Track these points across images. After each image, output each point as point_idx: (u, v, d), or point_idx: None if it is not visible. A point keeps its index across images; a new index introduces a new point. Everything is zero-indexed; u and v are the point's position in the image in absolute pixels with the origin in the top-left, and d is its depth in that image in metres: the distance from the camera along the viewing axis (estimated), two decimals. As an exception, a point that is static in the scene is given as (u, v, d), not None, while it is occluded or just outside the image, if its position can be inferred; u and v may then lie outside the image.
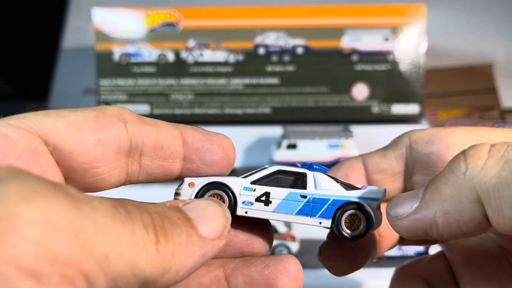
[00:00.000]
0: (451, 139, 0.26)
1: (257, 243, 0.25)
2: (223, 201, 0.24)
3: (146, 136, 0.23)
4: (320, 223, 0.24)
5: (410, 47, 0.78)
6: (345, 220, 0.24)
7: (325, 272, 0.55)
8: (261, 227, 0.25)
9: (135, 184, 0.26)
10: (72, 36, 0.97)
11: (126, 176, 0.24)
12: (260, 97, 0.79)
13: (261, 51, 0.78)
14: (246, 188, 0.24)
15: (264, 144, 0.76)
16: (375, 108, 0.78)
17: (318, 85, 0.79)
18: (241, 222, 0.25)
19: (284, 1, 0.85)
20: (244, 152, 0.76)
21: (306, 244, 0.59)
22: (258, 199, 0.24)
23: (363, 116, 0.79)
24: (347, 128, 0.73)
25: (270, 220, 0.26)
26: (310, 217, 0.24)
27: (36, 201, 0.14)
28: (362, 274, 0.54)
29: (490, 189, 0.19)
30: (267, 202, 0.24)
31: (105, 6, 0.79)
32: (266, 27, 0.78)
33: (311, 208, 0.24)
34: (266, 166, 0.27)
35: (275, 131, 0.76)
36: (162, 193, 0.28)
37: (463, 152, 0.21)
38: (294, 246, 0.58)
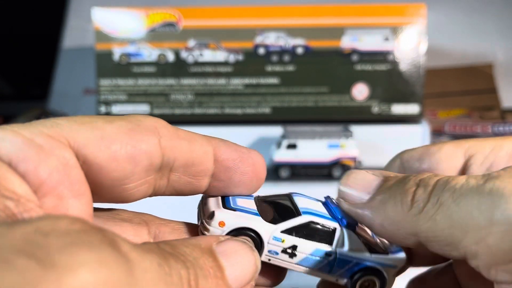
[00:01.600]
0: (440, 155, 0.27)
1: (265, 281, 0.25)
2: None
3: (178, 153, 0.23)
4: (337, 280, 0.25)
5: (410, 47, 0.78)
6: (360, 283, 0.25)
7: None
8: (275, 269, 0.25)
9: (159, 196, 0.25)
10: (72, 36, 0.97)
11: (153, 190, 0.23)
12: (260, 97, 0.79)
13: (261, 51, 0.78)
14: (275, 238, 0.24)
15: (264, 144, 0.76)
16: (375, 108, 0.78)
17: (318, 85, 0.79)
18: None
19: (284, 1, 0.85)
20: (244, 152, 0.76)
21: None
22: (284, 251, 0.24)
23: (363, 116, 0.79)
24: (347, 128, 0.73)
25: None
26: (329, 274, 0.25)
27: (100, 272, 0.15)
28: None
29: (428, 232, 0.21)
30: (292, 255, 0.24)
31: (105, 6, 0.79)
32: (266, 27, 0.78)
33: (332, 266, 0.25)
34: (292, 195, 0.26)
35: (275, 131, 0.76)
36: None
37: (417, 184, 0.22)
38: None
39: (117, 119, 0.21)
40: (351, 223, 0.25)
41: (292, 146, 0.71)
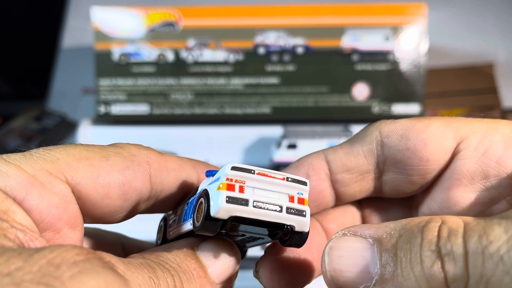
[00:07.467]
0: (428, 133, 0.24)
1: None
2: None
3: (167, 185, 0.25)
4: None
5: (410, 46, 0.77)
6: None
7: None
8: None
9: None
10: (72, 36, 0.97)
11: (133, 214, 0.26)
12: (260, 97, 0.78)
13: (261, 50, 0.78)
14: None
15: (264, 144, 0.75)
16: (376, 108, 0.78)
17: (318, 85, 0.78)
18: None
19: (284, 0, 0.85)
20: (244, 152, 0.76)
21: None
22: None
23: (363, 116, 0.78)
24: (347, 128, 0.73)
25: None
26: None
27: None
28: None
29: None
30: None
31: (105, 6, 0.78)
32: (266, 27, 0.78)
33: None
34: None
35: (275, 131, 0.75)
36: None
37: (438, 249, 0.17)
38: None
39: (113, 154, 0.23)
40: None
41: (292, 146, 0.70)
